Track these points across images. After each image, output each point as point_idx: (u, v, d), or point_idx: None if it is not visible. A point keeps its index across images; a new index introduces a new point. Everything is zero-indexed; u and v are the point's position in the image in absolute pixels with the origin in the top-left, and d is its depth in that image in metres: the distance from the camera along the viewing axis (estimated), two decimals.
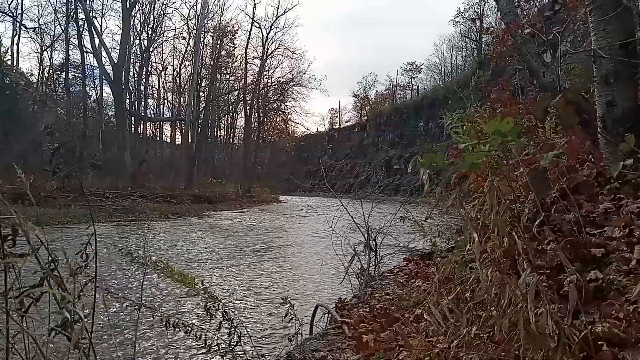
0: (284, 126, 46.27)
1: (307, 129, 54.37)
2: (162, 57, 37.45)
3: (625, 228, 2.35)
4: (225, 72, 38.10)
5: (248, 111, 37.56)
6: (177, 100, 38.29)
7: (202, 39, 30.66)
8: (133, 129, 31.30)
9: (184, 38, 34.72)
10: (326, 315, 3.72)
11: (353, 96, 59.31)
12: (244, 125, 40.32)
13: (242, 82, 37.80)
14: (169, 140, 40.04)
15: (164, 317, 2.24)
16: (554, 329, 1.74)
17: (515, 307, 1.90)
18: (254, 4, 38.73)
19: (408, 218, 4.90)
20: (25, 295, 1.40)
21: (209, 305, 2.37)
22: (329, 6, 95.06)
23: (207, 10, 30.65)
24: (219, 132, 47.49)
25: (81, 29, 26.60)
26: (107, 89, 28.96)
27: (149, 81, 35.65)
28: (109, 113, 31.21)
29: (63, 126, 22.70)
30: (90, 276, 1.64)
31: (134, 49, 30.10)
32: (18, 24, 26.00)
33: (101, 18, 28.82)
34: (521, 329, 1.78)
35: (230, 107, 42.39)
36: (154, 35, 31.80)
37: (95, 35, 24.88)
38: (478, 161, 2.25)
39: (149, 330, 3.84)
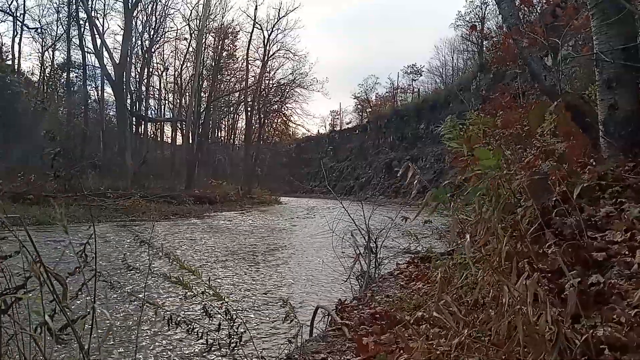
0: (285, 127, 46.31)
1: (308, 131, 54.42)
2: (163, 57, 37.43)
3: (627, 232, 2.35)
4: (226, 73, 38.12)
5: (249, 112, 37.59)
6: (178, 100, 38.28)
7: (203, 40, 30.71)
8: (134, 129, 31.26)
9: (185, 39, 34.70)
10: (326, 317, 3.72)
11: (354, 98, 59.35)
12: (244, 127, 40.35)
13: (244, 83, 37.84)
14: (169, 140, 40.05)
15: (166, 315, 2.25)
16: (553, 331, 1.74)
17: (513, 310, 1.90)
18: (256, 6, 38.83)
19: (409, 218, 4.90)
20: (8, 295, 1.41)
21: (210, 305, 2.37)
22: (330, 8, 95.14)
23: (209, 12, 30.69)
24: (219, 133, 47.53)
25: (83, 29, 26.62)
26: (108, 89, 28.96)
27: (150, 82, 35.62)
28: (110, 113, 31.22)
29: (64, 127, 22.71)
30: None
31: (135, 49, 30.06)
32: (20, 24, 26.03)
33: (103, 18, 28.78)
34: (520, 331, 1.78)
35: (232, 108, 42.41)
36: (155, 35, 31.76)
37: (96, 36, 24.91)
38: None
39: (149, 330, 3.84)
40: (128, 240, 9.51)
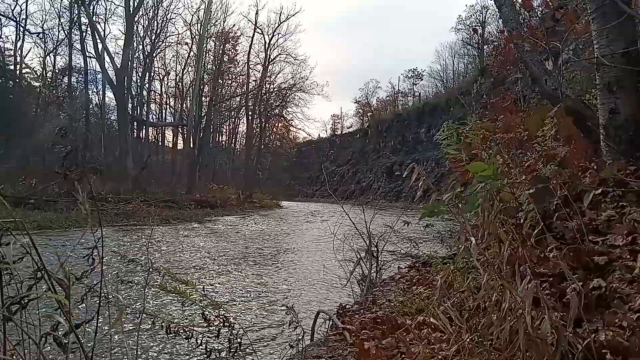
0: (286, 132, 46.42)
1: (309, 135, 54.58)
2: (164, 62, 37.66)
3: (628, 236, 2.34)
4: (227, 77, 38.26)
5: (250, 117, 37.69)
6: (179, 105, 38.45)
7: (204, 45, 30.81)
8: (135, 133, 31.34)
9: (186, 43, 34.90)
10: (328, 321, 3.71)
11: (355, 102, 59.42)
12: (245, 131, 40.45)
13: (245, 87, 37.96)
14: (170, 145, 40.18)
15: (164, 324, 2.24)
16: (553, 336, 1.73)
17: (515, 314, 1.89)
18: (257, 11, 39.12)
19: (410, 222, 4.89)
20: (16, 301, 1.40)
21: (208, 312, 2.37)
22: (331, 13, 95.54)
23: (210, 16, 30.84)
24: (220, 137, 47.62)
25: (84, 34, 26.84)
26: (109, 94, 29.14)
27: (152, 86, 35.84)
28: (112, 118, 31.35)
29: (66, 130, 22.67)
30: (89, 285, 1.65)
31: (136, 54, 30.23)
32: (22, 28, 26.17)
33: (104, 23, 28.99)
34: (521, 336, 1.77)
35: (232, 113, 42.51)
36: (156, 40, 31.98)
37: (98, 40, 25.05)
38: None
39: (149, 336, 3.83)
40: (126, 245, 9.51)
